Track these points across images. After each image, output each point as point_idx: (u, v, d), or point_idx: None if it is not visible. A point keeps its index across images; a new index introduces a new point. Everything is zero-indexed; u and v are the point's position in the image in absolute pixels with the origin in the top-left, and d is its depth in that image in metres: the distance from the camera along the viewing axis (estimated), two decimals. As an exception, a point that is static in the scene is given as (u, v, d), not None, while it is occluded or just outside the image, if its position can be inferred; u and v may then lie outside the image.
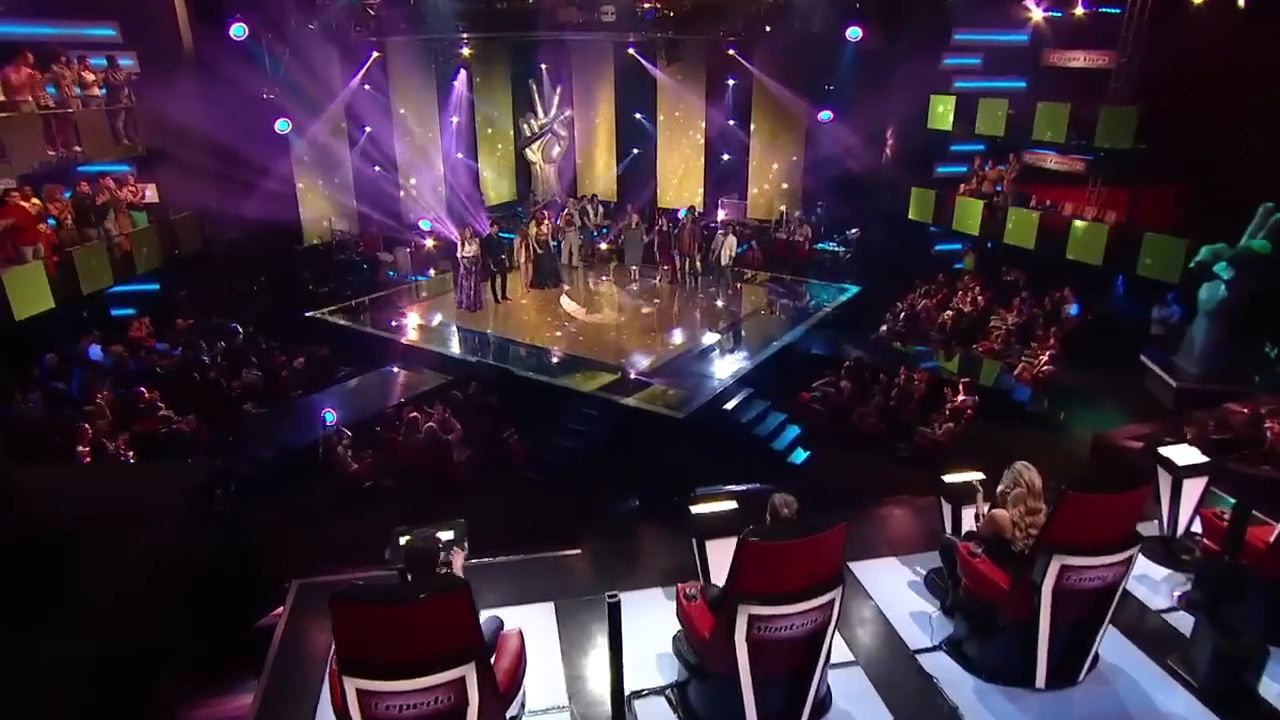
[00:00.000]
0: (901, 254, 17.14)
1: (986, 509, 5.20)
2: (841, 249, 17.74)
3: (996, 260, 16.61)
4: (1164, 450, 5.68)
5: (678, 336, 14.21)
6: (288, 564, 8.18)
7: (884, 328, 14.95)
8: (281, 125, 15.98)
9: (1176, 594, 5.40)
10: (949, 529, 5.63)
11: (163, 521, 6.91)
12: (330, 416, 12.00)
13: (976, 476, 5.67)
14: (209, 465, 8.48)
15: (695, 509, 5.31)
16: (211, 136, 14.78)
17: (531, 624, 4.88)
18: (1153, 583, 5.59)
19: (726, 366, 12.80)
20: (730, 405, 11.80)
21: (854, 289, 16.49)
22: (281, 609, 5.54)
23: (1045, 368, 12.44)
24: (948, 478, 5.73)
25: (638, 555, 6.25)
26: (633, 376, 12.38)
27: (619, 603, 3.80)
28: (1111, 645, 4.79)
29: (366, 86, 17.86)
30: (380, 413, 11.41)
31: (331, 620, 3.43)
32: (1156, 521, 5.84)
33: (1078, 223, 14.18)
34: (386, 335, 14.38)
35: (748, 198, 19.82)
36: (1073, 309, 14.08)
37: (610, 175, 21.70)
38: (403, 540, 4.52)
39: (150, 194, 14.95)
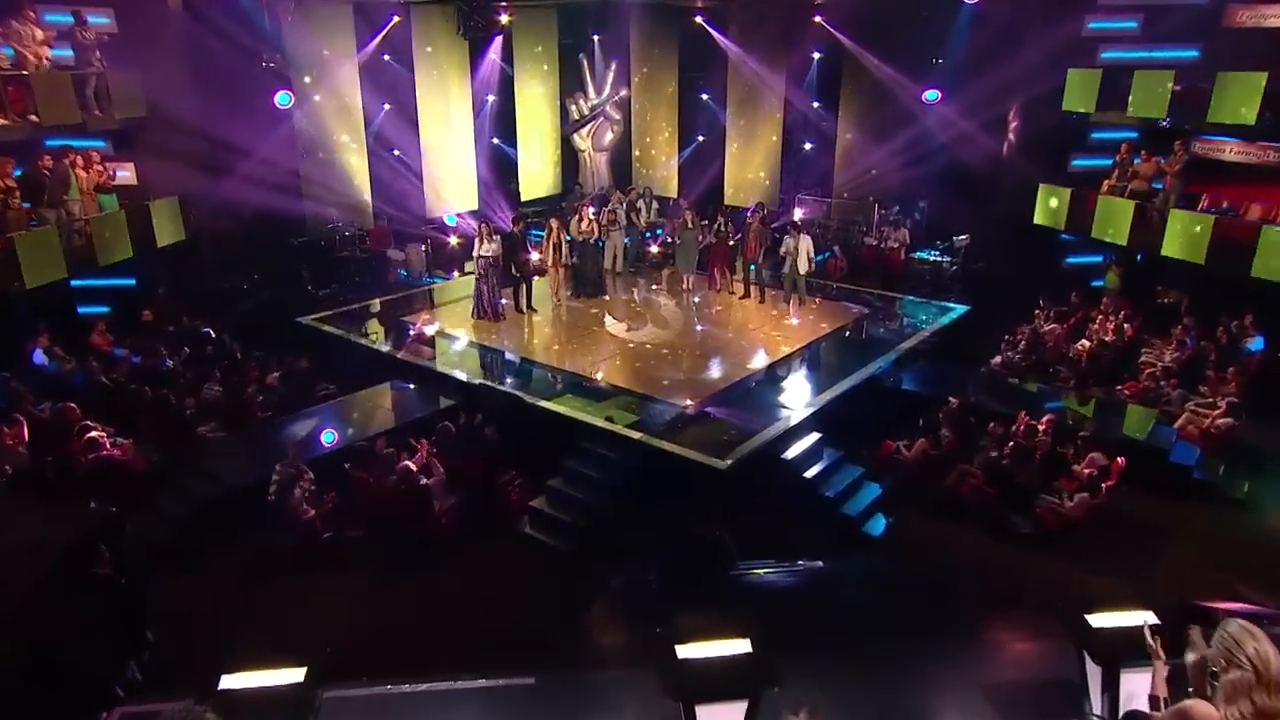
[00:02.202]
0: (1023, 267, 15.17)
1: (1167, 683, 3.48)
2: (946, 259, 15.84)
3: (1149, 277, 14.45)
4: None
5: (732, 361, 12.60)
6: (176, 654, 7.05)
7: (998, 360, 13.02)
8: (282, 99, 15.20)
9: None
10: (1097, 705, 3.88)
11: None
12: (330, 436, 10.98)
13: (1143, 619, 3.89)
14: (101, 511, 7.30)
15: (684, 651, 3.65)
16: (199, 110, 14.13)
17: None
18: None
19: (791, 402, 11.13)
20: (791, 453, 10.13)
21: (960, 309, 14.58)
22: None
23: (1220, 420, 10.32)
24: (1095, 619, 3.96)
25: (611, 695, 4.67)
26: (675, 411, 10.85)
27: None
28: None
29: (386, 56, 17.02)
30: (353, 446, 10.17)
31: None
32: None
33: (1270, 230, 11.94)
34: (377, 348, 13.25)
35: (832, 194, 18.09)
36: (1256, 343, 11.86)
37: (670, 166, 20.30)
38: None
39: (126, 175, 14.29)
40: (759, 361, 12.61)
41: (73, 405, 10.00)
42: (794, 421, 10.58)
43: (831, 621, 7.81)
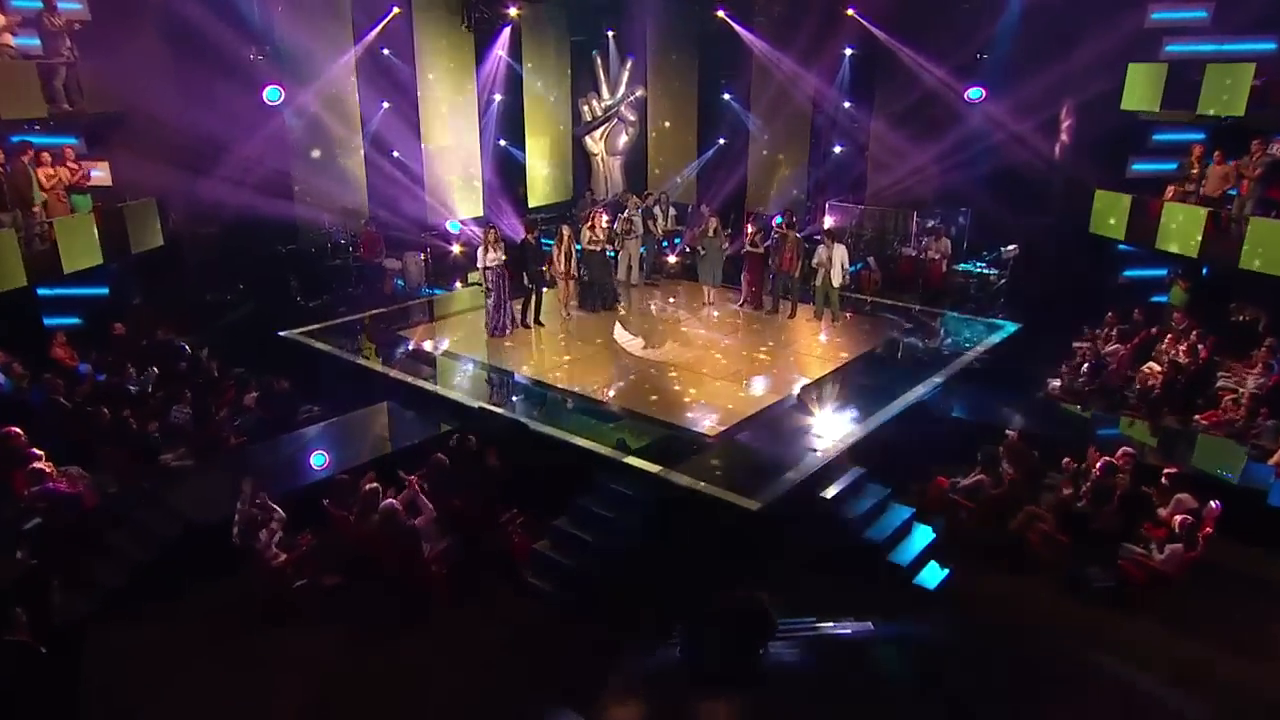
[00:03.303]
0: (1077, 281, 14.04)
1: None
2: (993, 271, 14.69)
3: (1220, 292, 13.28)
4: None
5: (762, 384, 11.51)
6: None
7: (1056, 384, 11.88)
8: (272, 94, 14.30)
9: None
10: None
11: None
12: (321, 459, 10.00)
13: None
14: (20, 564, 6.26)
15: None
16: (181, 105, 13.28)
17: None
18: None
19: (829, 432, 10.01)
20: (831, 491, 9.00)
21: (1011, 327, 13.43)
22: None
23: (1323, 458, 9.15)
24: None
25: None
26: (698, 441, 9.77)
27: None
28: None
29: (385, 51, 16.15)
30: (333, 479, 9.10)
31: None
32: None
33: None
34: (366, 366, 12.23)
35: (865, 201, 17.01)
36: (1355, 369, 10.69)
37: (689, 170, 19.31)
38: None
39: (101, 175, 13.38)
40: (791, 384, 11.50)
41: (16, 430, 8.97)
42: (833, 454, 9.46)
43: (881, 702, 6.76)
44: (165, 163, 13.36)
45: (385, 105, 16.32)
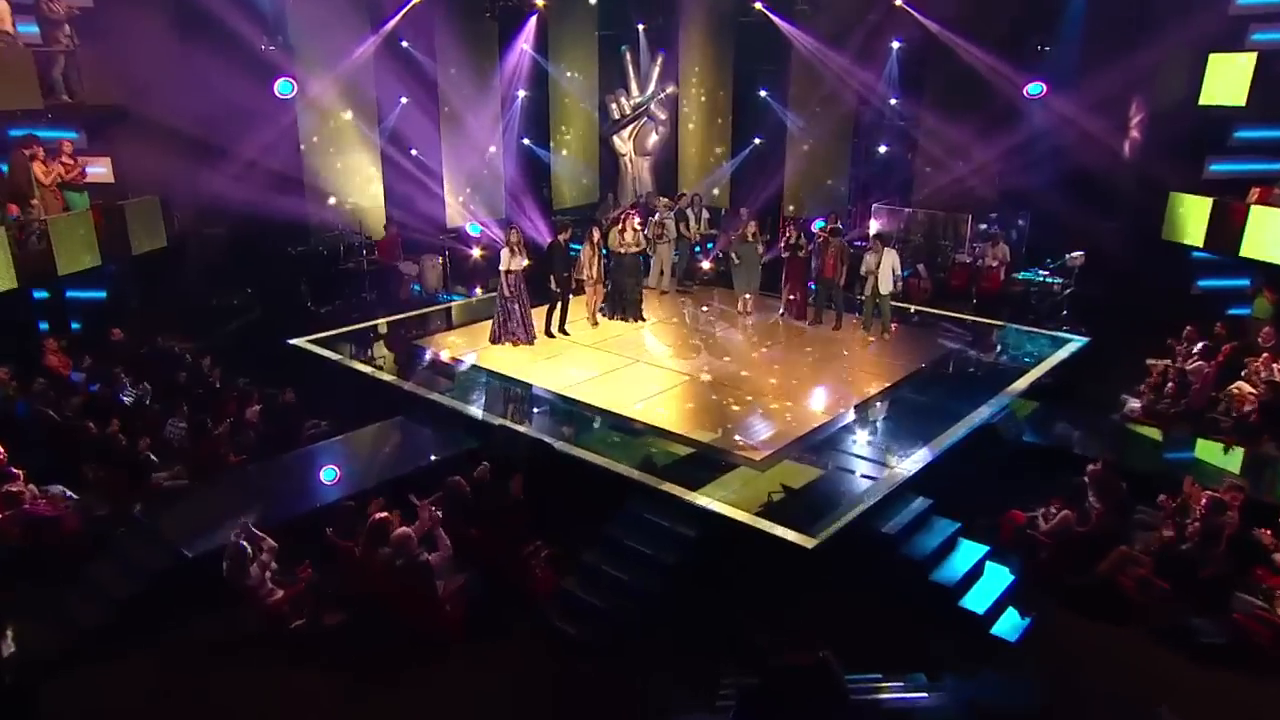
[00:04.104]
0: (1149, 291, 13.03)
1: None
2: (1057, 280, 13.70)
3: (1312, 305, 12.26)
4: None
5: (810, 402, 10.61)
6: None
7: (1134, 404, 10.88)
8: (283, 87, 13.60)
9: None
10: None
11: None
12: (331, 474, 9.30)
13: None
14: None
15: None
16: (187, 98, 12.65)
17: None
18: None
19: (888, 457, 9.09)
20: (892, 527, 8.06)
21: (1079, 341, 12.44)
22: None
23: None
24: None
25: None
26: (741, 465, 8.90)
27: None
28: None
29: (404, 42, 15.41)
30: (338, 505, 8.28)
31: None
32: None
33: None
34: (379, 377, 11.46)
35: (913, 203, 16.07)
36: None
37: (722, 172, 18.42)
38: None
39: (102, 171, 12.74)
40: (841, 401, 10.59)
41: (-6, 447, 8.26)
42: (895, 482, 8.53)
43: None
44: (169, 159, 12.78)
45: (403, 100, 15.59)
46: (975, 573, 8.02)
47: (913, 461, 8.94)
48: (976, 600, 7.76)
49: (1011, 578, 8.04)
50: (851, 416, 10.18)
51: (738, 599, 7.59)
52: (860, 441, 9.64)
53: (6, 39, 11.27)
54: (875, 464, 9.00)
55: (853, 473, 8.84)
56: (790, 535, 7.64)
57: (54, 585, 7.70)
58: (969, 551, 8.18)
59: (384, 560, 7.54)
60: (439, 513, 7.94)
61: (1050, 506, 8.41)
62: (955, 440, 9.40)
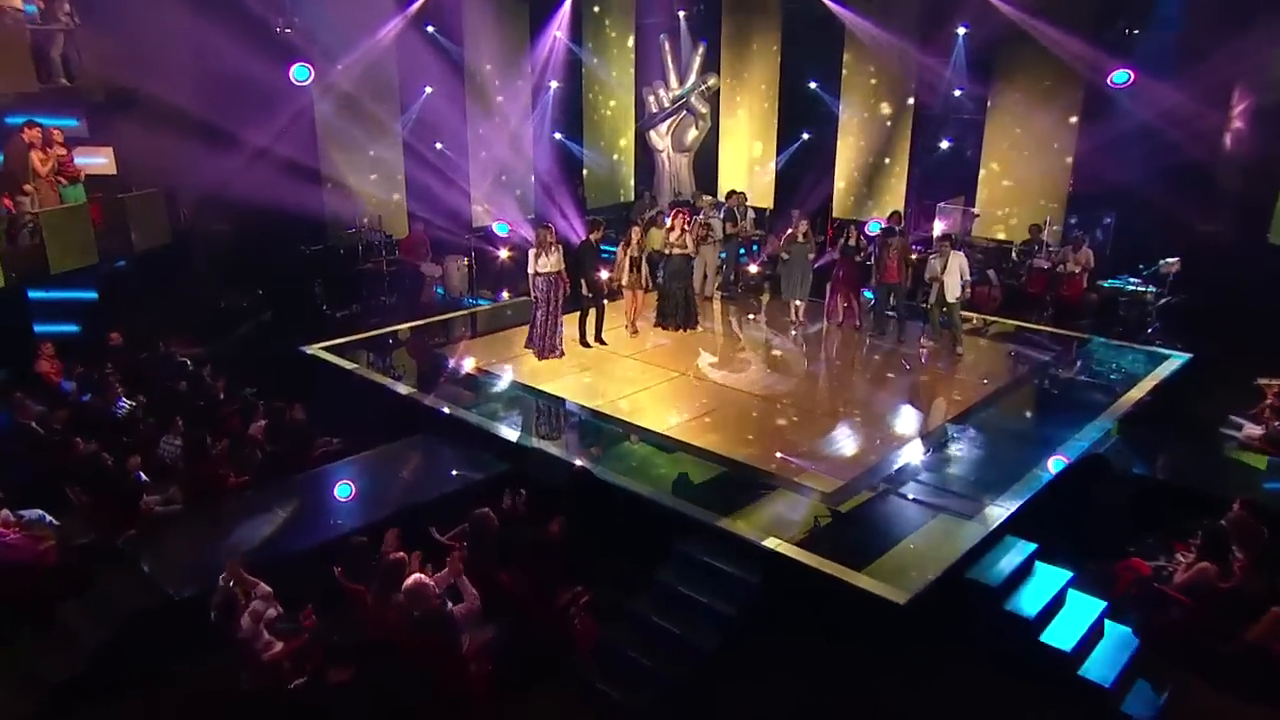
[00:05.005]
0: (1256, 302, 11.75)
1: None
2: (1150, 289, 12.47)
3: None
4: None
5: (881, 425, 9.50)
6: None
7: (1253, 431, 9.66)
8: (300, 73, 12.72)
9: None
10: None
11: None
12: (347, 490, 8.52)
13: None
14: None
15: None
16: (196, 84, 11.85)
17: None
18: None
19: (979, 492, 7.95)
20: (991, 578, 6.92)
21: (1180, 358, 11.22)
22: None
23: None
24: None
25: None
26: (815, 496, 7.81)
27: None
28: None
29: (429, 27, 14.52)
30: (348, 541, 7.27)
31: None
32: None
33: None
34: (396, 390, 10.49)
35: (977, 203, 14.89)
36: None
37: (767, 169, 17.30)
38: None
39: (104, 162, 11.90)
40: (918, 425, 9.47)
41: (-40, 468, 7.35)
42: (993, 524, 7.39)
43: None
44: (175, 148, 11.95)
45: (428, 90, 14.68)
46: (1095, 634, 6.87)
47: (1010, 497, 7.79)
48: (1100, 669, 6.60)
49: (1135, 641, 6.88)
50: (932, 442, 9.03)
51: (816, 662, 6.50)
52: (945, 472, 8.49)
53: (14, 16, 10.48)
54: (965, 499, 7.85)
55: (940, 511, 7.70)
56: (877, 587, 6.53)
57: (18, 631, 6.77)
58: (1084, 607, 7.03)
59: (400, 608, 6.53)
60: (464, 549, 6.94)
61: (1177, 554, 7.26)
62: (1058, 473, 8.23)
